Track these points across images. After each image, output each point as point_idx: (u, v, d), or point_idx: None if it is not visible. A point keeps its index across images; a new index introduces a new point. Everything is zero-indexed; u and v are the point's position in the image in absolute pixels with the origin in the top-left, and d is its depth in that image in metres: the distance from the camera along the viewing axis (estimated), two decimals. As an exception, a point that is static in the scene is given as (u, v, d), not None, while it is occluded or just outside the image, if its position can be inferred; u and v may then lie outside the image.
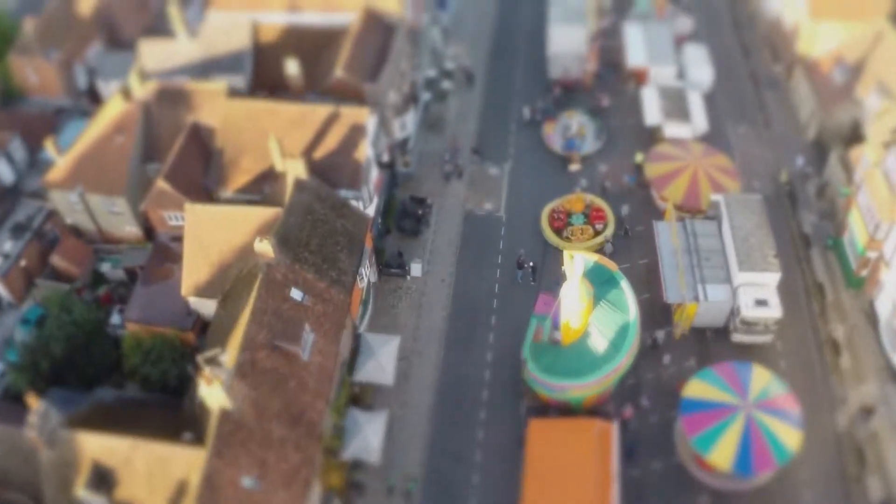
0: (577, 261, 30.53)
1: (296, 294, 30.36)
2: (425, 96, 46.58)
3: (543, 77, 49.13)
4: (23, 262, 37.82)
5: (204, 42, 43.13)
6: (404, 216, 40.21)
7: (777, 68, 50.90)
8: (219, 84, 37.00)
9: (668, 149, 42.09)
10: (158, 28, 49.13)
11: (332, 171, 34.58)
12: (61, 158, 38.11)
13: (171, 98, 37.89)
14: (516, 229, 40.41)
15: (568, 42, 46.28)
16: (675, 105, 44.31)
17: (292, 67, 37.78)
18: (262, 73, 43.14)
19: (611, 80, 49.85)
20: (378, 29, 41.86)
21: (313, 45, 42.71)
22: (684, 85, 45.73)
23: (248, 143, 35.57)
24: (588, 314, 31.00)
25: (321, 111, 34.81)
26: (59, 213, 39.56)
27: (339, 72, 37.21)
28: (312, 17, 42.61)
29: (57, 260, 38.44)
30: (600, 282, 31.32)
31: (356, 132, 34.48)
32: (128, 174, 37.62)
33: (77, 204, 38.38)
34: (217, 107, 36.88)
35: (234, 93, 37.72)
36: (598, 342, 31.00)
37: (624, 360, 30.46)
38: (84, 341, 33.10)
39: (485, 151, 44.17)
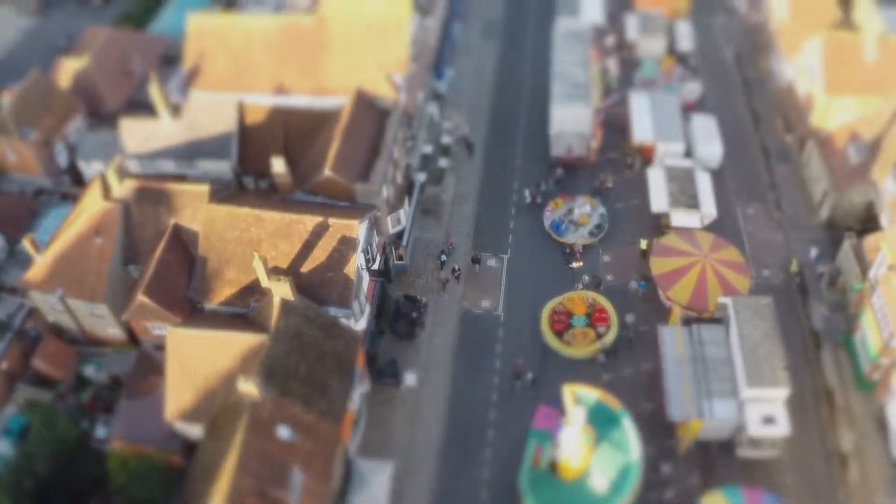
0: (578, 412, 29.81)
1: (283, 432, 29.72)
2: (420, 177, 45.87)
3: (545, 153, 48.16)
4: (4, 365, 37.04)
5: (187, 122, 42.26)
6: (398, 317, 39.34)
7: (788, 138, 50.06)
8: (201, 186, 36.06)
9: (675, 241, 41.17)
10: (142, 100, 48.21)
11: (321, 286, 33.70)
12: (40, 256, 37.35)
13: (152, 198, 36.92)
14: (515, 330, 39.55)
15: (571, 122, 45.41)
16: (683, 190, 43.42)
17: (278, 166, 36.90)
18: (248, 157, 42.33)
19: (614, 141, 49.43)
20: (370, 115, 40.95)
21: (303, 128, 41.94)
22: (692, 165, 44.93)
23: (233, 252, 34.68)
24: (589, 456, 30.53)
25: (308, 221, 33.89)
26: (41, 311, 39.02)
27: (327, 171, 36.36)
28: (301, 101, 41.76)
29: (39, 363, 37.68)
30: (602, 421, 30.67)
31: (346, 245, 33.57)
32: (108, 278, 36.75)
33: (58, 304, 37.87)
34: (199, 209, 36.06)
35: (216, 193, 36.39)
36: (599, 482, 30.36)
37: (625, 501, 30.08)
38: (69, 458, 32.63)
39: (483, 255, 42.70)
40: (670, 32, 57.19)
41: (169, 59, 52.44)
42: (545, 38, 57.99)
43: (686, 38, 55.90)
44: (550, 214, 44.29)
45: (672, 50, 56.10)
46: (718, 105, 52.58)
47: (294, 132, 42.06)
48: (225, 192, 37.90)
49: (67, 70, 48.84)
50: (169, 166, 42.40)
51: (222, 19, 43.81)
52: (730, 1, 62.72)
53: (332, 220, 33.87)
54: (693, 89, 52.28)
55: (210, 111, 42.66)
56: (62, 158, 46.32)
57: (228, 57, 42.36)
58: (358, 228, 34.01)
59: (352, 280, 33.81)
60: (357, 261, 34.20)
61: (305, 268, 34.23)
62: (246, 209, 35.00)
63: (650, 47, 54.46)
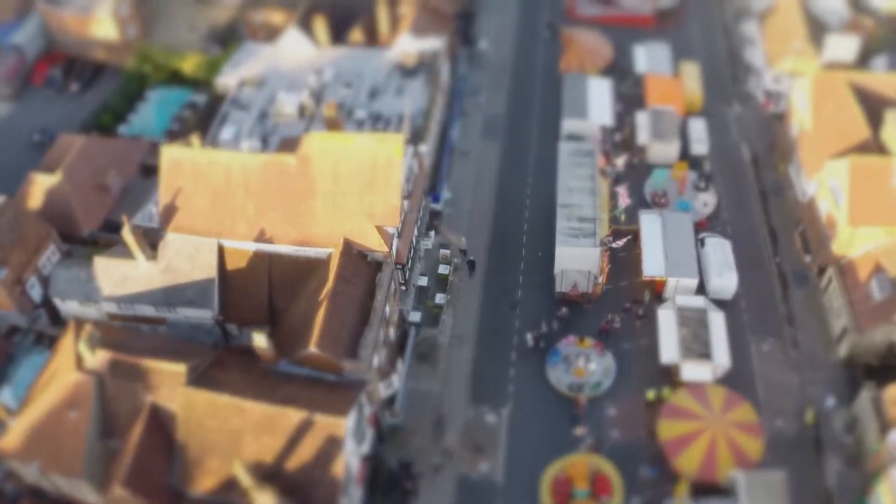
0: None
1: None
2: (415, 317, 44.77)
3: (548, 280, 46.50)
4: (-18, 529, 36.67)
5: (165, 265, 41.40)
6: (392, 487, 38.37)
7: (807, 259, 48.73)
8: (178, 366, 34.65)
9: (685, 401, 39.89)
10: (118, 220, 46.49)
11: (308, 485, 32.60)
12: (14, 421, 36.52)
13: (126, 372, 35.75)
14: (515, 498, 38.18)
15: (577, 260, 44.17)
16: (696, 336, 41.93)
17: (259, 340, 35.67)
18: (231, 304, 41.47)
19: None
20: (360, 269, 39.56)
21: (289, 274, 41.04)
22: (705, 305, 43.57)
23: (214, 442, 33.66)
24: None
25: (293, 416, 32.72)
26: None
27: (313, 348, 35.20)
28: (285, 250, 40.46)
29: (17, 530, 37.17)
30: None
31: (333, 444, 32.47)
32: (85, 453, 35.70)
33: (36, 472, 36.91)
34: (177, 389, 34.96)
35: (194, 372, 34.74)
36: None
37: None
38: None
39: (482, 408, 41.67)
40: (683, 132, 55.37)
41: (148, 170, 51.42)
42: (550, 139, 55.87)
43: (700, 142, 54.27)
44: (556, 372, 42.67)
45: (685, 153, 54.32)
46: (734, 218, 51.24)
47: (279, 279, 41.21)
48: (204, 364, 36.89)
49: (39, 188, 47.70)
50: (148, 310, 41.99)
51: (199, 154, 41.78)
52: (746, 88, 61.19)
53: (318, 417, 32.80)
54: (707, 202, 51.10)
55: (188, 254, 41.66)
56: (35, 292, 45.18)
57: (206, 196, 40.92)
58: (345, 426, 32.98)
59: (339, 480, 32.74)
60: (345, 457, 33.12)
61: (290, 464, 33.18)
62: (226, 398, 33.91)
63: (662, 152, 52.93)
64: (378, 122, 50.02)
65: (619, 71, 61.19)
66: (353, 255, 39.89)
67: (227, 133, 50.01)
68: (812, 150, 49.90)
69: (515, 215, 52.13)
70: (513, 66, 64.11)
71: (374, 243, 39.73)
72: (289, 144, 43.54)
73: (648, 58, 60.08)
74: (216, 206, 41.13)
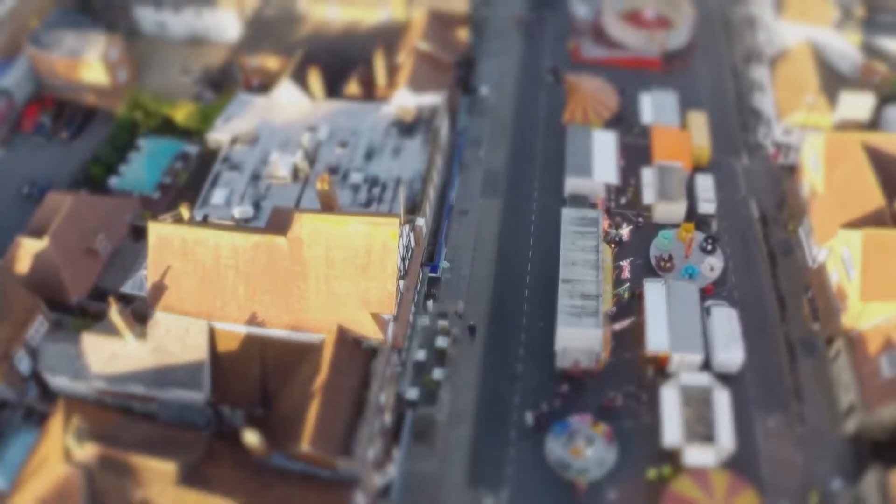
0: None
1: None
2: (412, 394, 44.32)
3: (549, 353, 45.62)
4: None
5: (154, 345, 41.13)
6: None
7: (815, 326, 48.20)
8: (167, 465, 34.23)
9: (687, 487, 39.43)
10: (108, 287, 46.74)
11: None
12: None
13: (116, 468, 35.34)
14: None
15: (579, 339, 43.69)
16: (700, 417, 41.38)
17: (251, 438, 35.28)
18: (223, 386, 41.01)
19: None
20: (354, 356, 39.12)
21: (282, 358, 40.60)
22: (710, 383, 42.83)
23: (206, 546, 33.52)
24: None
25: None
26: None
27: (305, 445, 34.88)
28: (277, 334, 40.12)
29: None
30: None
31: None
32: None
33: None
34: (168, 488, 34.66)
35: (185, 471, 34.25)
36: None
37: None
38: None
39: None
40: (690, 188, 54.58)
41: (138, 231, 50.71)
42: (553, 196, 55.24)
43: (708, 202, 53.52)
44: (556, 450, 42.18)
45: (692, 212, 53.51)
46: (741, 282, 50.55)
47: (272, 362, 40.84)
48: (195, 456, 36.65)
49: (26, 252, 47.10)
50: (138, 389, 41.70)
51: (187, 231, 41.29)
52: (755, 137, 60.51)
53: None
54: (714, 266, 50.55)
55: (178, 335, 41.35)
56: (24, 365, 44.86)
57: (195, 276, 40.58)
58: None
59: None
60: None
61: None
62: (218, 499, 33.77)
63: (668, 213, 52.27)
64: (374, 186, 49.45)
65: (625, 122, 60.22)
66: (348, 343, 39.47)
67: (218, 196, 49.57)
68: (823, 216, 49.43)
69: (516, 280, 51.46)
70: (514, 114, 63.33)
71: (369, 330, 39.32)
72: (280, 217, 42.91)
73: (655, 107, 59.40)
74: (206, 287, 40.83)
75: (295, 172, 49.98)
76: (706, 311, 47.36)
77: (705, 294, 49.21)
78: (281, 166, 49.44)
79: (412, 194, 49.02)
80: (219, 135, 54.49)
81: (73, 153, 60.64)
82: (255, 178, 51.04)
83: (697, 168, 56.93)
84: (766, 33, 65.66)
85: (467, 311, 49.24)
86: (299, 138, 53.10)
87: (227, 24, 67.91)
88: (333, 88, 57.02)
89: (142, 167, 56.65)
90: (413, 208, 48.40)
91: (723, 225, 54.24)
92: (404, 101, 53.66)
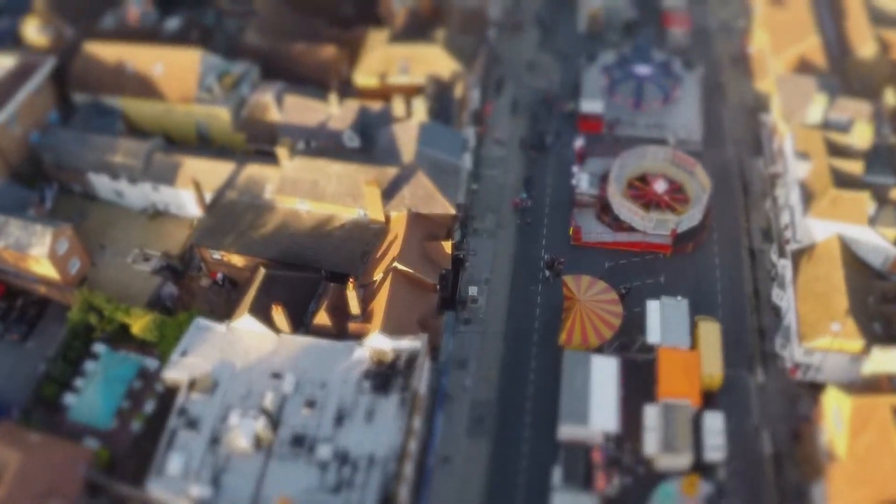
0: None
1: None
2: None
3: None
4: None
5: None
6: None
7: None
8: None
9: None
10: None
11: None
12: None
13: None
14: None
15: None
16: None
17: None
18: None
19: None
20: None
21: None
22: None
23: None
24: None
25: None
26: None
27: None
28: None
29: None
30: None
31: None
32: None
33: None
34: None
35: None
36: None
37: None
38: None
39: None
40: (697, 426, 51.61)
41: (93, 489, 48.48)
42: (547, 439, 51.91)
43: (716, 449, 50.11)
44: None
45: (698, 462, 50.54)
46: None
47: None
48: None
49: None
50: None
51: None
52: (772, 345, 56.92)
53: None
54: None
55: None
56: None
57: None
58: None
59: None
60: None
61: None
62: None
63: (671, 464, 49.59)
64: (345, 464, 46.16)
65: (629, 339, 56.98)
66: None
67: (174, 464, 46.70)
68: (842, 487, 46.68)
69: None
70: (507, 323, 59.75)
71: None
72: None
73: (663, 320, 55.50)
74: None
75: (257, 441, 47.38)
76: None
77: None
78: (241, 436, 46.97)
79: (386, 479, 46.22)
80: (175, 373, 51.98)
81: (25, 357, 58.87)
82: (214, 441, 48.37)
83: (707, 395, 53.52)
84: (792, 224, 61.22)
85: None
86: (262, 390, 49.82)
87: (186, 200, 65.59)
88: (300, 309, 54.45)
89: (97, 395, 54.13)
90: (387, 499, 45.60)
91: (731, 466, 51.41)
92: (380, 344, 51.26)
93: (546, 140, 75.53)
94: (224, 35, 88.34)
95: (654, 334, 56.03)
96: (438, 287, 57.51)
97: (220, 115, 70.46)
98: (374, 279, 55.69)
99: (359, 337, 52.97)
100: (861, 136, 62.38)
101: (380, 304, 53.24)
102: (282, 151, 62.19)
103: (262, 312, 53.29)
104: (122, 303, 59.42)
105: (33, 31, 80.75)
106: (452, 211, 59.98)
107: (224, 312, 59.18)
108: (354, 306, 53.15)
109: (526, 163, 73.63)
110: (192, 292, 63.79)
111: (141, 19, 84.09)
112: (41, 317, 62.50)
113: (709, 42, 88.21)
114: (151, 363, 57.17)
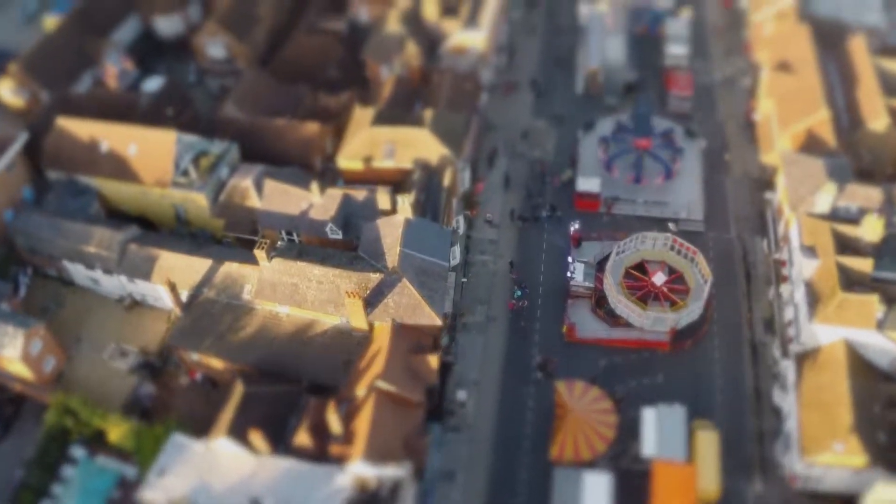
0: None
1: None
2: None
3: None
4: None
5: None
6: None
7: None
8: None
9: None
10: None
11: None
12: None
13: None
14: None
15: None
16: None
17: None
18: None
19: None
20: None
21: None
22: None
23: None
24: None
25: None
26: None
27: None
28: None
29: None
30: None
31: None
32: None
33: None
34: None
35: None
36: None
37: None
38: None
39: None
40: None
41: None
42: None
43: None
44: None
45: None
46: None
47: None
48: None
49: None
50: None
51: None
52: (772, 452, 56.01)
53: None
54: None
55: None
56: None
57: None
58: None
59: None
60: None
61: None
62: None
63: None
64: None
65: (622, 449, 55.74)
66: None
67: None
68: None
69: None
70: (496, 431, 58.56)
71: None
72: None
73: (659, 430, 54.68)
74: None
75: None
76: None
77: None
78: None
79: None
80: (153, 494, 50.97)
81: (1, 460, 58.01)
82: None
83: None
84: (796, 324, 59.33)
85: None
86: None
87: (162, 292, 64.40)
88: (280, 425, 53.15)
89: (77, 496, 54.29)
90: None
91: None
92: (362, 471, 49.91)
93: (540, 214, 74.14)
94: (206, 93, 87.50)
95: (649, 446, 55.20)
96: (424, 401, 56.83)
97: (197, 201, 69.54)
98: (357, 394, 54.73)
99: (341, 460, 51.99)
100: (872, 230, 60.28)
101: (363, 426, 52.19)
102: (259, 254, 60.18)
103: (239, 434, 52.34)
104: (99, 403, 58.96)
105: (8, 93, 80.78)
106: (439, 322, 58.62)
107: (204, 414, 57.66)
108: (336, 427, 52.23)
109: (517, 243, 71.64)
110: (170, 390, 62.78)
111: (119, 77, 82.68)
112: (17, 415, 61.73)
113: (712, 100, 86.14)
114: (130, 471, 56.25)
